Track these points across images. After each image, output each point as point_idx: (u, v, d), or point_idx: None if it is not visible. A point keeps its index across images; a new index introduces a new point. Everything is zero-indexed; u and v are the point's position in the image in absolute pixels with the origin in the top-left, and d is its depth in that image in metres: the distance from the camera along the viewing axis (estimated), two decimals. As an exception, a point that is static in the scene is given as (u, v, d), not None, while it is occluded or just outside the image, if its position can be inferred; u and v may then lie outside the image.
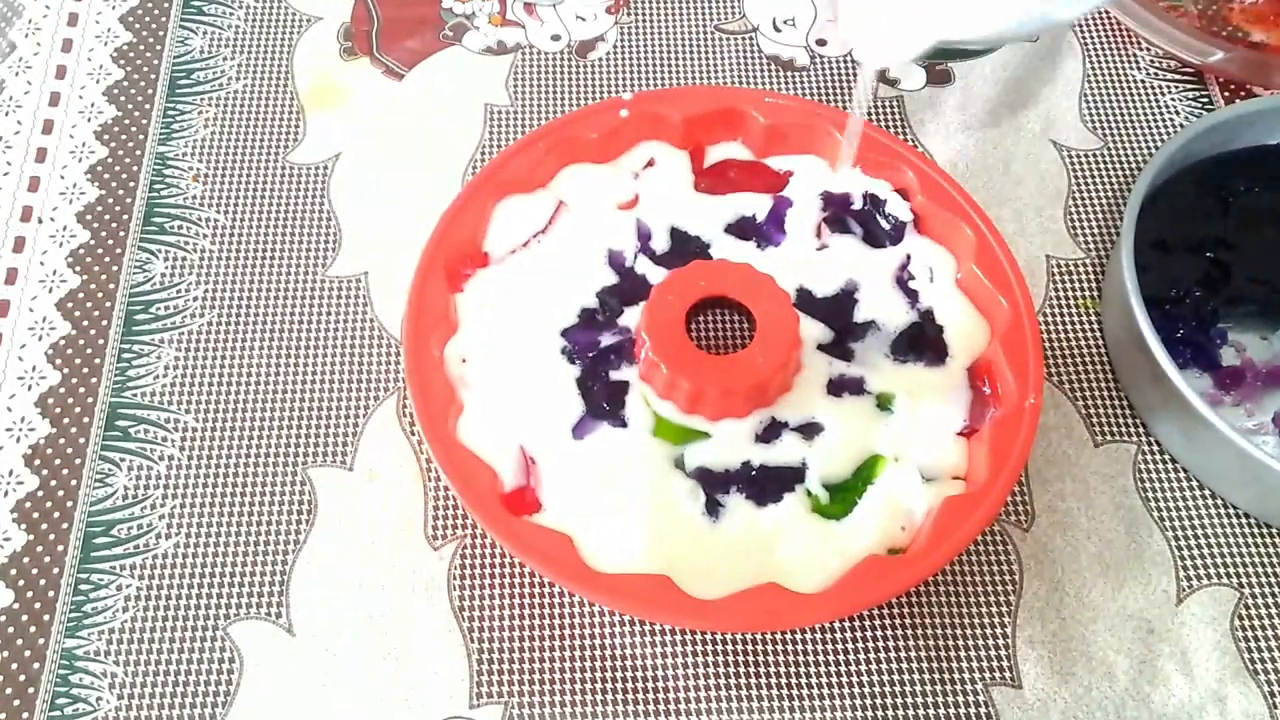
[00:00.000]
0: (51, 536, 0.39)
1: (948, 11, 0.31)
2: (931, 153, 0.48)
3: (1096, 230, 0.46)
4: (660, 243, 0.42)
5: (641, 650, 0.37)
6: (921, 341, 0.40)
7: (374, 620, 0.38)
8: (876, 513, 0.36)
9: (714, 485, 0.37)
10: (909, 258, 0.42)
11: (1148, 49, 0.51)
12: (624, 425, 0.38)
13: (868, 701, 0.37)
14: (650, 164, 0.43)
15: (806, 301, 0.41)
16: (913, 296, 0.41)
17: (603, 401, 0.38)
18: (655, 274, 0.41)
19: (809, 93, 0.49)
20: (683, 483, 0.37)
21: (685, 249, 0.42)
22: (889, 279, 0.41)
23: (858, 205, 0.43)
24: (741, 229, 0.42)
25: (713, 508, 0.37)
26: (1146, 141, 0.49)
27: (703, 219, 0.42)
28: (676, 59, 0.50)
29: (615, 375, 0.39)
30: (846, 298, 0.41)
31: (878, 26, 0.32)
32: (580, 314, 0.40)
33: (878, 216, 0.42)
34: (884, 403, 0.39)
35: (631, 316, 0.40)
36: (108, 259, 0.44)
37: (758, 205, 0.43)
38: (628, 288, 0.41)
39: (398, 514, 0.40)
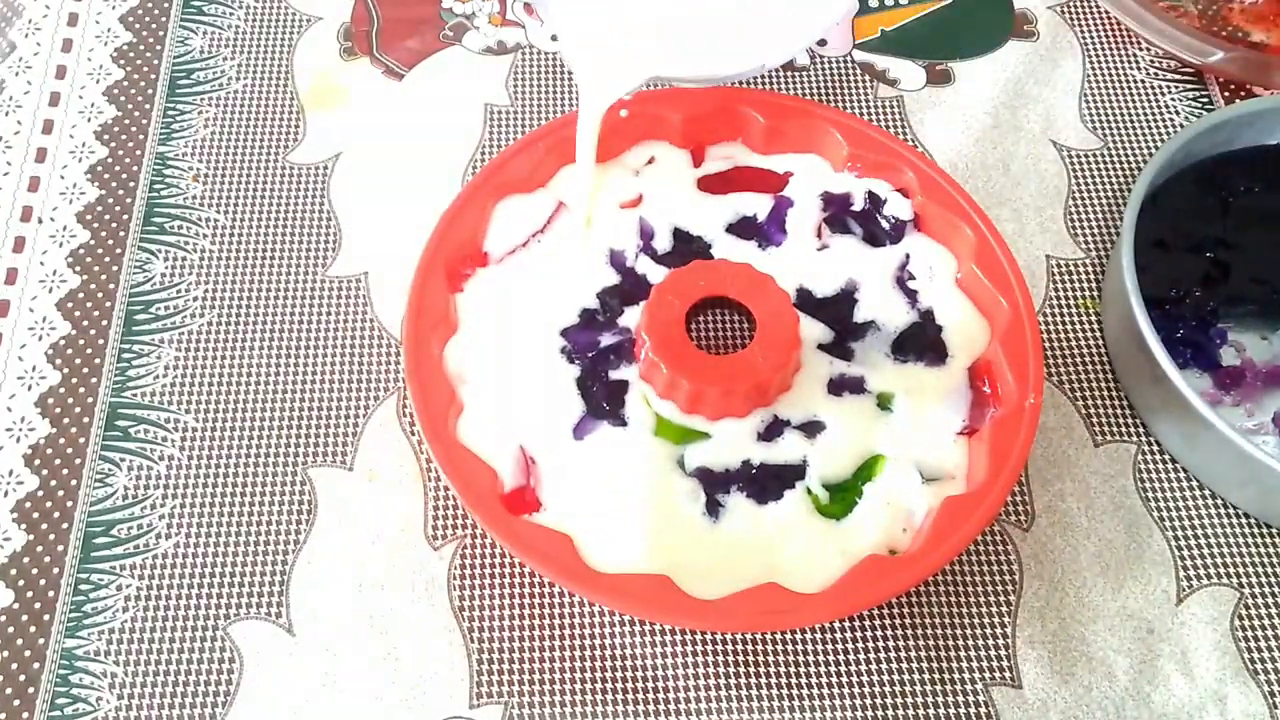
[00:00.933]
0: (51, 536, 0.39)
1: (664, 48, 0.32)
2: (931, 153, 0.48)
3: (1096, 230, 0.46)
4: (663, 242, 0.42)
5: (641, 650, 0.37)
6: (922, 341, 0.40)
7: (374, 620, 0.38)
8: (876, 513, 0.36)
9: (714, 485, 0.37)
10: (909, 257, 0.42)
11: (1148, 49, 0.51)
12: (624, 425, 0.38)
13: (868, 701, 0.37)
14: (651, 161, 0.44)
15: (806, 301, 0.41)
16: (913, 296, 0.41)
17: (603, 401, 0.38)
18: (655, 273, 0.41)
19: (809, 93, 0.49)
20: (683, 483, 0.37)
21: (687, 249, 0.42)
22: (889, 279, 0.41)
23: (858, 205, 0.43)
24: (742, 229, 0.42)
25: (713, 508, 0.37)
26: (1146, 141, 0.49)
27: (704, 218, 0.42)
28: (676, 59, 0.50)
29: (615, 375, 0.39)
30: (846, 298, 0.41)
31: (598, 57, 0.32)
32: (580, 314, 0.40)
33: (878, 216, 0.42)
34: (884, 402, 0.39)
35: (631, 316, 0.40)
36: (108, 259, 0.44)
37: (758, 205, 0.43)
38: (628, 287, 0.41)
39: (398, 514, 0.40)
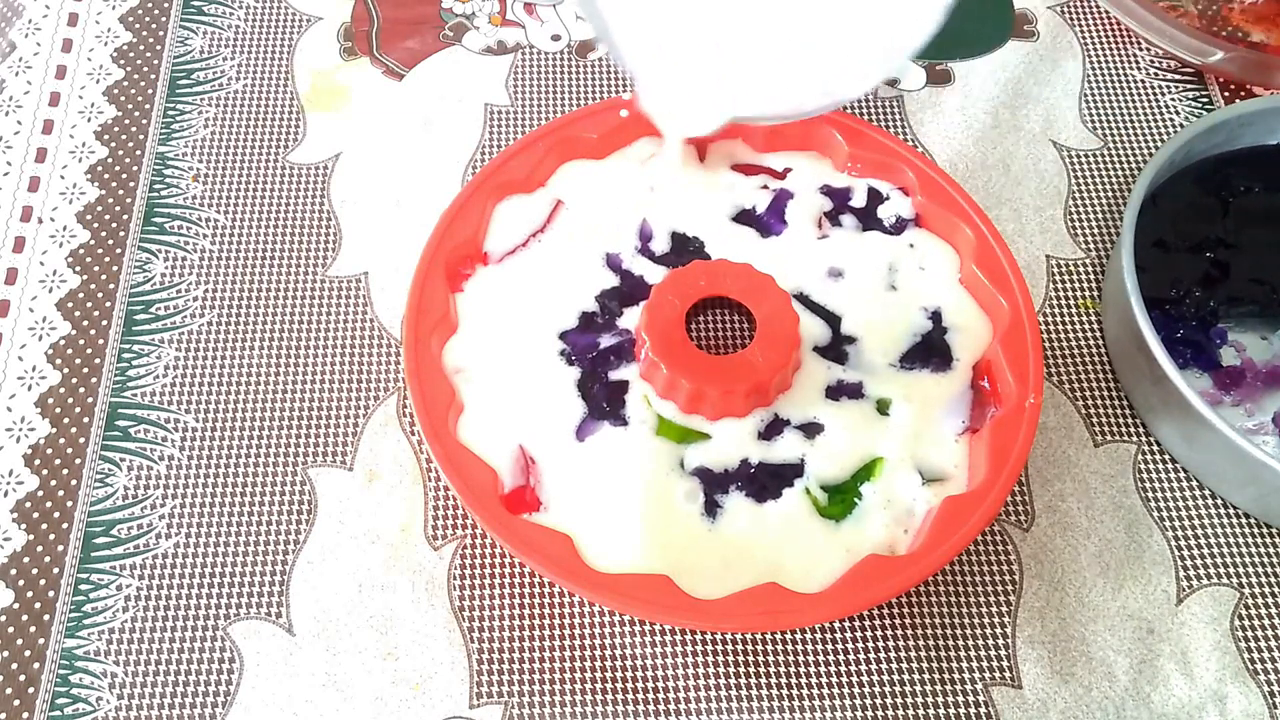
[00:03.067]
0: (51, 536, 0.39)
1: (742, 90, 0.32)
2: (931, 153, 0.48)
3: (1096, 230, 0.46)
4: (660, 244, 0.42)
5: (641, 650, 0.37)
6: (928, 349, 0.40)
7: (374, 620, 0.38)
8: (876, 513, 0.36)
9: (714, 485, 0.37)
10: (912, 248, 0.42)
11: (1148, 49, 0.51)
12: (625, 425, 0.38)
13: (868, 701, 0.37)
14: (653, 156, 0.43)
15: (807, 302, 0.41)
16: (914, 297, 0.41)
17: (603, 402, 0.38)
18: (653, 274, 0.41)
19: (809, 93, 0.49)
20: (683, 482, 0.37)
21: (684, 249, 0.42)
22: (890, 279, 0.41)
23: (859, 203, 0.43)
24: (742, 220, 0.42)
25: (711, 508, 0.37)
26: (1146, 141, 0.49)
27: (704, 210, 0.42)
28: (676, 59, 0.50)
29: (615, 375, 0.39)
30: (847, 298, 0.41)
31: (676, 101, 0.33)
32: (579, 317, 0.40)
33: (879, 214, 0.42)
34: (883, 406, 0.39)
35: (631, 318, 0.40)
36: (108, 259, 0.44)
37: (758, 197, 0.43)
38: (627, 289, 0.41)
39: (398, 514, 0.40)
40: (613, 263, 0.41)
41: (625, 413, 0.38)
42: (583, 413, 0.38)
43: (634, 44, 0.32)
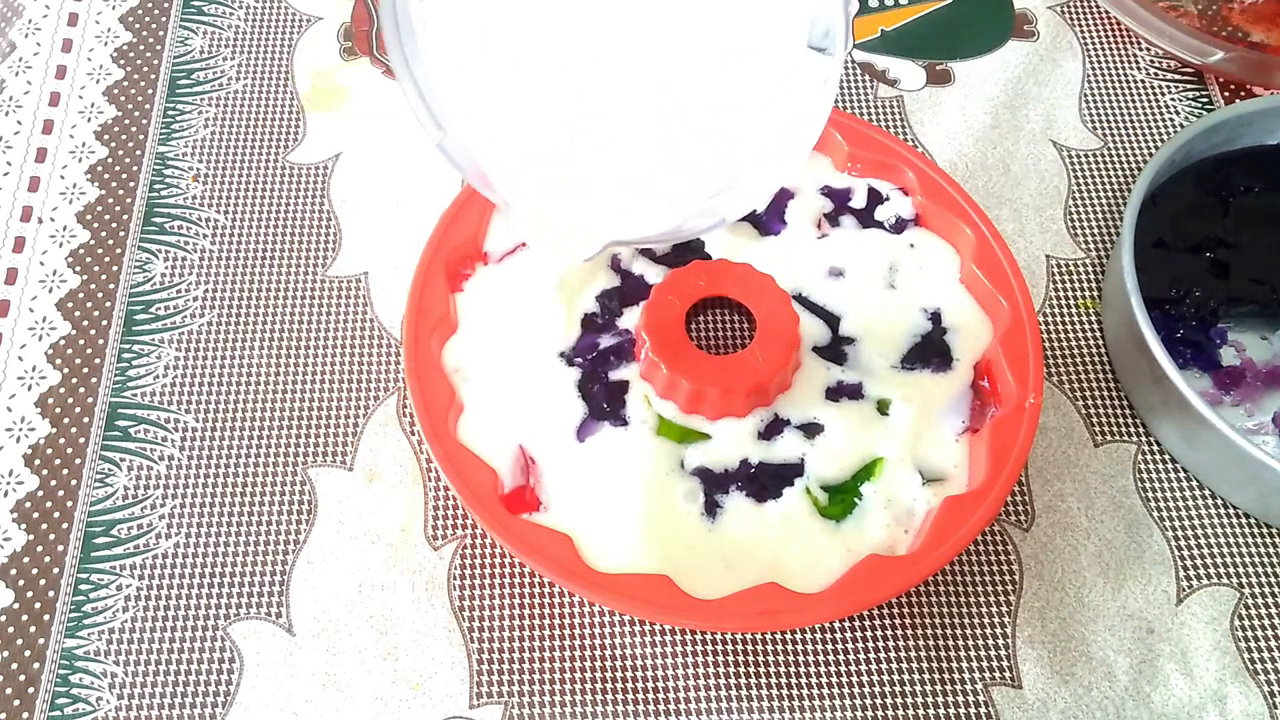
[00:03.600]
0: (51, 536, 0.39)
1: (617, 215, 0.32)
2: (931, 153, 0.48)
3: (1096, 230, 0.46)
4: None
5: (641, 650, 0.37)
6: (929, 349, 0.40)
7: (374, 620, 0.38)
8: (876, 513, 0.36)
9: (714, 485, 0.37)
10: (912, 248, 0.42)
11: (1148, 49, 0.51)
12: (625, 425, 0.38)
13: (868, 701, 0.37)
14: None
15: (806, 302, 0.41)
16: (914, 297, 0.41)
17: (603, 402, 0.38)
18: (653, 274, 0.41)
19: (809, 93, 0.49)
20: (683, 482, 0.37)
21: (684, 249, 0.42)
22: (890, 278, 0.41)
23: (859, 203, 0.43)
24: (742, 219, 0.42)
25: (711, 508, 0.36)
26: (1146, 141, 0.49)
27: None
28: (676, 59, 0.50)
29: (615, 375, 0.39)
30: (847, 298, 0.41)
31: (551, 232, 0.32)
32: (580, 320, 0.40)
33: (879, 214, 0.42)
34: (883, 407, 0.39)
35: (631, 318, 0.40)
36: (108, 259, 0.44)
37: (758, 197, 0.43)
38: (627, 289, 0.41)
39: (398, 514, 0.40)
40: (613, 263, 0.41)
41: (625, 413, 0.38)
42: (583, 413, 0.38)
43: (506, 173, 0.32)
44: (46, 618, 0.38)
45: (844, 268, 0.41)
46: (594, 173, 0.32)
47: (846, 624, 0.38)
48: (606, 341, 0.39)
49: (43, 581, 0.38)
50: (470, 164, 0.32)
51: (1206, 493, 0.41)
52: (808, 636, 0.38)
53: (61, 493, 0.40)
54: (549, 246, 0.33)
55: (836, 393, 0.39)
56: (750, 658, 0.37)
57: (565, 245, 0.32)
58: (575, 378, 0.39)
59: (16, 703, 0.36)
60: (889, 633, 0.38)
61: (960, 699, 0.37)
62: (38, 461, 0.40)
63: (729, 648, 0.37)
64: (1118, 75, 0.51)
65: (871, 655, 0.38)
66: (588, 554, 0.35)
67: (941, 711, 0.37)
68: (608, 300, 0.40)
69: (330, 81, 0.49)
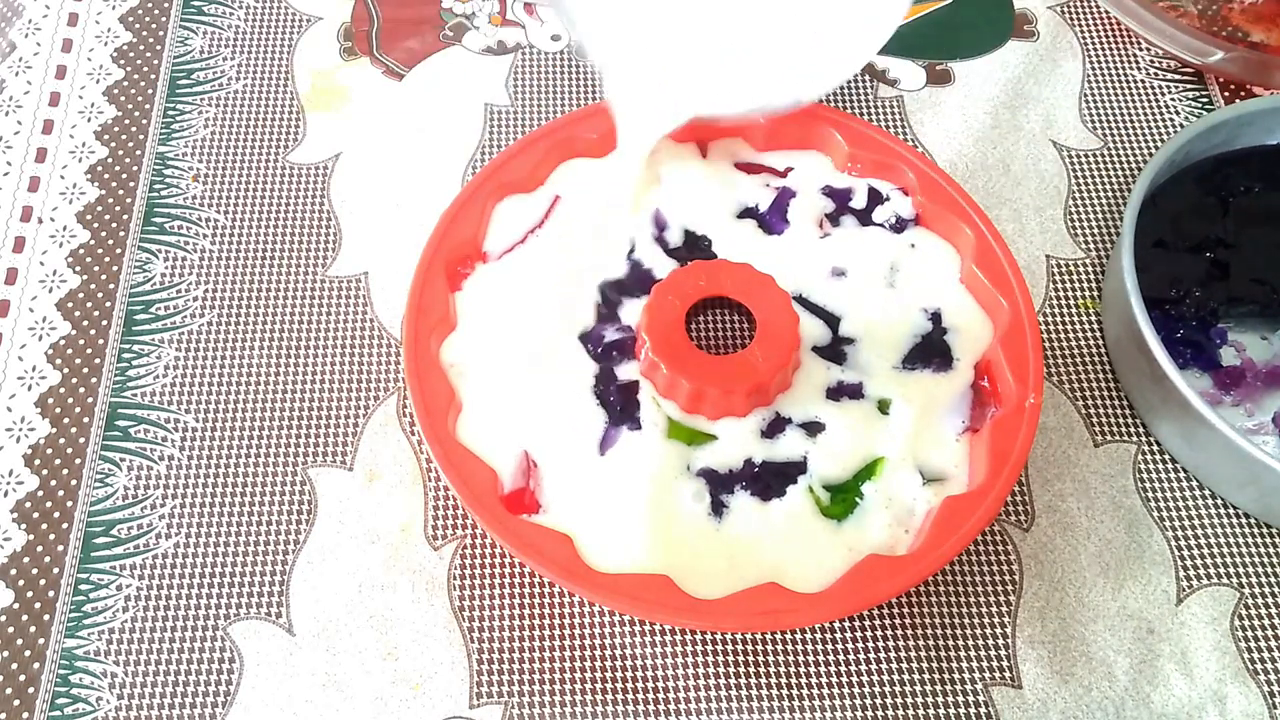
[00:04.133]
0: (51, 536, 0.39)
1: (705, 90, 0.32)
2: (931, 153, 0.48)
3: (1096, 230, 0.46)
4: (675, 235, 0.42)
5: (641, 650, 0.37)
6: (929, 349, 0.40)
7: (374, 620, 0.38)
8: (877, 512, 0.36)
9: (719, 485, 0.37)
10: (913, 248, 0.42)
11: (1148, 49, 0.51)
12: (639, 428, 0.38)
13: (868, 701, 0.37)
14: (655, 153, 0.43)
15: (806, 304, 0.41)
16: (914, 297, 0.41)
17: (619, 406, 0.38)
18: (661, 267, 0.41)
19: (809, 93, 0.49)
20: (690, 484, 0.37)
21: (695, 245, 0.42)
22: (890, 278, 0.41)
23: (859, 203, 0.43)
24: (746, 217, 0.42)
25: (718, 508, 0.36)
26: (1146, 141, 0.49)
27: (709, 207, 0.42)
28: (676, 59, 0.50)
29: (620, 370, 0.39)
30: (847, 297, 0.41)
31: (642, 94, 0.33)
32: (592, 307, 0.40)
33: (879, 214, 0.42)
34: (884, 406, 0.39)
35: (632, 312, 0.40)
36: (108, 259, 0.44)
37: (760, 195, 0.43)
38: (630, 281, 0.41)
39: (398, 514, 0.40)
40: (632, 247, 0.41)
41: (639, 415, 0.38)
42: (604, 422, 0.37)
43: (601, 36, 0.32)
44: (46, 618, 0.38)
45: (845, 268, 0.41)
46: (687, 46, 0.32)
47: (846, 624, 0.38)
48: (611, 335, 0.39)
49: (43, 581, 0.38)
50: (571, 20, 0.33)
51: (1206, 493, 0.41)
52: (808, 636, 0.38)
53: (61, 493, 0.40)
54: (633, 117, 0.33)
55: (837, 392, 0.39)
56: (750, 658, 0.37)
57: (649, 118, 0.33)
58: (593, 373, 0.38)
59: (16, 703, 0.36)
60: (889, 633, 0.38)
61: (960, 699, 0.37)
62: (38, 461, 0.40)
63: (729, 648, 0.37)
64: (1118, 75, 0.51)
65: (871, 655, 0.38)
66: (588, 554, 0.35)
67: (941, 711, 0.37)
68: (609, 291, 0.40)
69: (330, 81, 0.49)
